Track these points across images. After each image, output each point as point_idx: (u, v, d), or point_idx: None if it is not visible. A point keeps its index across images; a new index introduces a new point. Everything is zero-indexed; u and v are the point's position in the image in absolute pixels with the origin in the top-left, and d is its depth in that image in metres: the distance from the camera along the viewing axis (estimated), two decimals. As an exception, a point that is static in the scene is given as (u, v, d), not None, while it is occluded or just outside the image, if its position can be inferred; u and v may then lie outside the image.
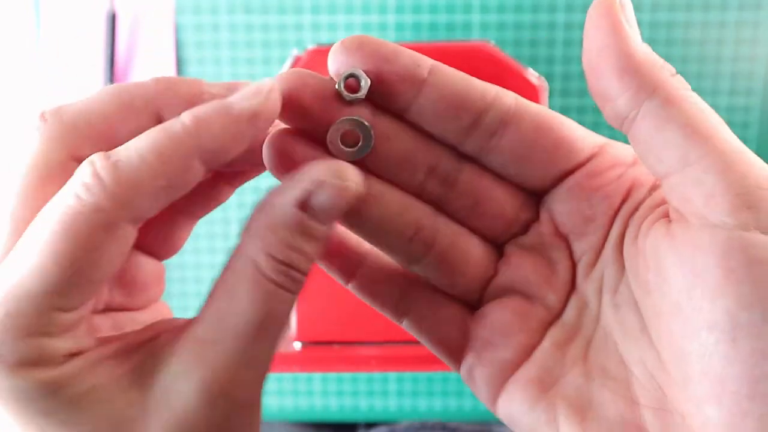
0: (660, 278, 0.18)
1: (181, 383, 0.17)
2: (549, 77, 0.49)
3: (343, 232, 0.21)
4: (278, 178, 0.20)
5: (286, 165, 0.19)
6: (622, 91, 0.17)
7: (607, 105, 0.18)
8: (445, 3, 0.49)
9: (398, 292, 0.21)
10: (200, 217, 0.23)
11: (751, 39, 0.49)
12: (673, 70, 0.18)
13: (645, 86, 0.17)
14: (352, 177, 0.18)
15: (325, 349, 0.40)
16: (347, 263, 0.21)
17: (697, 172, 0.17)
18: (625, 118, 0.18)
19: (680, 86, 0.17)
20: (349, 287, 0.22)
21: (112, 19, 0.49)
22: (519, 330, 0.20)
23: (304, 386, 0.52)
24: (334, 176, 0.17)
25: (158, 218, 0.22)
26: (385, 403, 0.52)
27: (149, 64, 0.50)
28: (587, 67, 0.18)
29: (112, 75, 0.49)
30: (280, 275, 0.17)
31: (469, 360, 0.21)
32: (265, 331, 0.18)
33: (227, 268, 0.18)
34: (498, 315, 0.20)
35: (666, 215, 0.18)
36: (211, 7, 0.49)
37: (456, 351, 0.21)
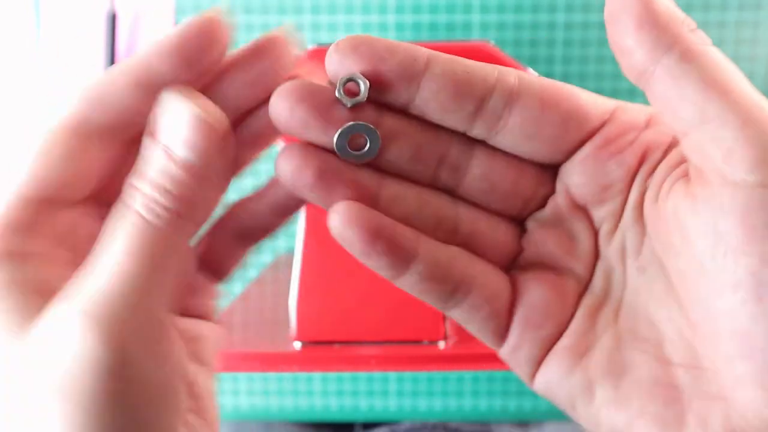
0: (683, 239, 0.18)
1: (62, 328, 0.17)
2: (549, 77, 0.49)
3: (396, 227, 0.20)
4: (294, 190, 0.20)
5: (300, 178, 0.19)
6: (639, 44, 0.17)
7: (624, 59, 0.18)
8: (445, 3, 0.49)
9: (451, 289, 0.20)
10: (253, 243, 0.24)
11: (751, 39, 0.49)
12: (694, 25, 0.17)
13: (662, 40, 0.17)
14: (209, 109, 0.18)
15: (325, 349, 0.40)
16: (397, 259, 0.20)
17: (715, 127, 0.16)
18: (642, 73, 0.17)
19: (699, 41, 0.17)
20: (396, 283, 0.20)
21: (112, 19, 0.49)
22: (556, 305, 0.20)
23: (304, 386, 0.52)
24: (192, 111, 0.18)
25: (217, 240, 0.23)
26: (385, 403, 0.52)
27: (149, 64, 0.50)
28: (608, 17, 0.18)
29: (112, 75, 0.49)
30: (154, 216, 0.18)
31: (511, 341, 0.20)
32: (147, 275, 0.18)
33: (110, 214, 0.18)
34: (535, 293, 0.20)
35: (685, 175, 0.18)
36: (211, 8, 0.49)
37: (499, 333, 0.21)
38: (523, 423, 0.53)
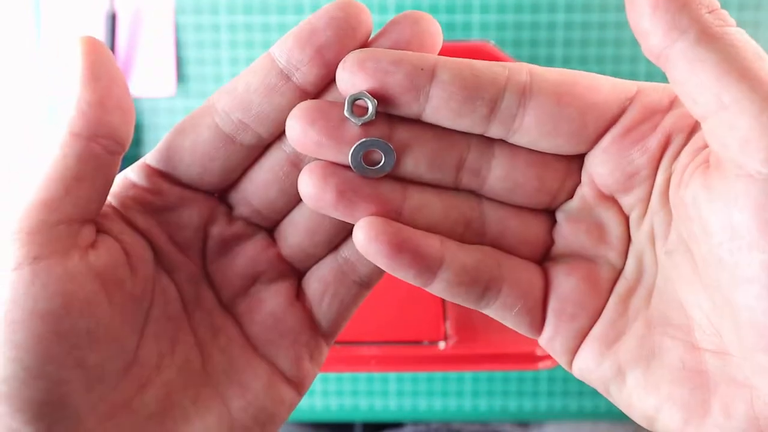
0: (702, 229, 0.17)
1: None
2: (549, 77, 0.49)
3: (420, 238, 0.20)
4: (318, 210, 0.20)
5: (322, 200, 0.19)
6: (654, 27, 0.16)
7: (642, 41, 0.17)
8: (445, 3, 0.49)
9: (481, 291, 0.20)
10: None
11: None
12: (715, 5, 0.16)
13: (678, 23, 0.16)
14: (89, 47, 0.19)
15: (325, 349, 0.40)
16: (423, 269, 0.20)
17: (731, 115, 0.16)
18: (659, 56, 0.17)
19: (716, 23, 0.16)
20: (427, 290, 0.20)
21: (112, 19, 0.49)
22: (589, 295, 0.20)
23: (304, 386, 0.53)
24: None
25: None
26: (385, 403, 0.52)
27: (149, 64, 0.50)
28: None
29: (112, 75, 0.49)
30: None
31: (546, 332, 0.21)
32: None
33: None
34: (567, 285, 0.20)
35: (707, 161, 0.18)
36: (211, 7, 0.49)
37: (534, 326, 0.21)
38: (523, 423, 0.53)
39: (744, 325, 0.17)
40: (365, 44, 0.19)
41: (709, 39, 0.16)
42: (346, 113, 0.19)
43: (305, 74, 0.19)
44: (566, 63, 0.50)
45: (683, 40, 0.16)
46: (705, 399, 0.18)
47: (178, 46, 0.50)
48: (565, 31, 0.49)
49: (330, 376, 0.52)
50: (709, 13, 0.16)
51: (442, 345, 0.39)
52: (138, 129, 0.51)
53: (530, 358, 0.41)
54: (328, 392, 0.52)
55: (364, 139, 0.19)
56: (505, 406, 0.52)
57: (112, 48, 0.49)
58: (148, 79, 0.50)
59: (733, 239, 0.16)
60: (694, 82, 0.16)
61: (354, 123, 0.19)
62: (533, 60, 0.50)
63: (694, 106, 0.17)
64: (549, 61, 0.50)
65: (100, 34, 0.49)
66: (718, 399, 0.18)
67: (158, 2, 0.49)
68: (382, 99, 0.19)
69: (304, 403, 0.52)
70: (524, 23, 0.49)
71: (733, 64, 0.16)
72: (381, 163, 0.19)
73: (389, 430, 0.52)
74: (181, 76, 0.50)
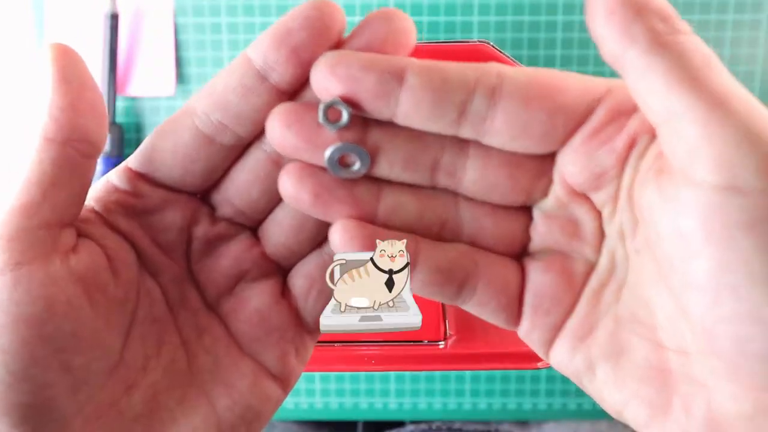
0: (656, 233, 0.18)
1: None
2: (548, 77, 0.49)
3: (393, 238, 0.20)
4: (298, 209, 0.20)
5: (299, 200, 0.20)
6: (609, 34, 0.17)
7: (599, 46, 0.17)
8: (444, 3, 0.49)
9: (455, 290, 0.21)
10: None
11: (749, 40, 0.49)
12: (668, 14, 0.16)
13: (627, 32, 0.16)
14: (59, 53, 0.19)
15: (325, 349, 0.40)
16: None
17: (680, 124, 0.16)
18: (614, 63, 0.17)
19: (667, 31, 0.16)
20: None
21: (113, 20, 0.49)
22: (564, 291, 0.20)
23: (304, 385, 0.53)
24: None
25: None
26: (385, 402, 0.52)
27: (149, 64, 0.50)
28: (586, 4, 0.17)
29: (113, 75, 0.49)
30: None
31: (523, 326, 0.21)
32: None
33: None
34: (543, 281, 0.21)
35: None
36: (211, 8, 0.49)
37: (511, 321, 0.21)
38: (522, 422, 0.53)
39: (696, 329, 0.17)
40: (340, 43, 0.20)
41: (658, 48, 0.16)
42: (320, 120, 0.19)
43: (281, 74, 0.19)
44: (565, 63, 0.50)
45: (634, 48, 0.16)
46: (668, 397, 0.18)
47: (178, 46, 0.50)
48: (564, 32, 0.49)
49: (330, 375, 0.52)
50: (662, 21, 0.16)
51: (441, 344, 0.39)
52: (138, 129, 0.51)
53: (530, 357, 0.42)
54: (329, 391, 0.52)
55: (338, 144, 0.19)
56: (504, 405, 0.52)
57: (113, 48, 0.49)
58: (148, 79, 0.50)
59: (681, 246, 0.16)
60: (646, 90, 0.16)
61: (329, 129, 0.19)
62: (533, 61, 0.50)
63: (649, 112, 0.17)
64: (548, 62, 0.50)
65: (101, 35, 0.49)
66: (679, 398, 0.18)
67: (158, 3, 0.50)
68: (353, 105, 0.19)
69: (305, 402, 0.53)
70: (523, 24, 0.49)
71: (682, 73, 0.16)
72: (356, 166, 0.20)
73: (390, 430, 0.52)
74: (181, 77, 0.50)
